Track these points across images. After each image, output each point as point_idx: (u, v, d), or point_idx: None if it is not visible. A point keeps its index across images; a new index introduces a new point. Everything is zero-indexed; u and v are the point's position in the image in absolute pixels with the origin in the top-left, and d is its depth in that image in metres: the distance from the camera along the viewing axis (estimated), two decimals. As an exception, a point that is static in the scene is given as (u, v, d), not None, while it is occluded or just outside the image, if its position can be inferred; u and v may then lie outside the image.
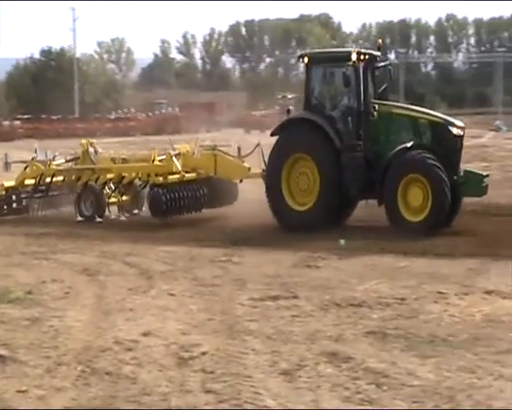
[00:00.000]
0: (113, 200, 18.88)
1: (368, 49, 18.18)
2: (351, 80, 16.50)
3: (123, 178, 18.80)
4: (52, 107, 75.84)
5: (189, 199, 17.99)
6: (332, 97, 17.57)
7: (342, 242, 14.75)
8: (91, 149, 19.90)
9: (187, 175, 18.20)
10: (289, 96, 73.05)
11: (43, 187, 19.68)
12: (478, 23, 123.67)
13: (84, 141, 20.34)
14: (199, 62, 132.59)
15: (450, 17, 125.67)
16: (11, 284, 11.77)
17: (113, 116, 76.70)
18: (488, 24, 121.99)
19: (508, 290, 10.84)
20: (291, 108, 18.13)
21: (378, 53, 17.72)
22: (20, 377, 7.63)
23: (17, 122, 69.90)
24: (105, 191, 18.95)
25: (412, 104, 18.15)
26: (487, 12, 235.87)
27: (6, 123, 69.32)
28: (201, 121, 71.31)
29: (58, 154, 20.84)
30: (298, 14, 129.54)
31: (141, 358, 8.16)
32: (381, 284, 11.39)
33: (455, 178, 15.81)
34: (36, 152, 19.93)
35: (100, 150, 20.36)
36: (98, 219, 18.39)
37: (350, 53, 16.65)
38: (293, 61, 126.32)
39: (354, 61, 16.48)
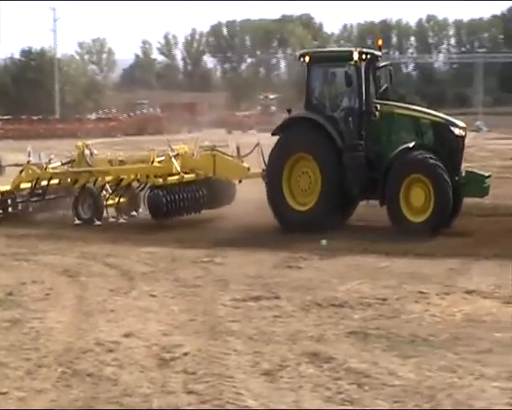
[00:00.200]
0: (110, 202, 18.58)
1: (370, 48, 18.04)
2: (353, 80, 16.43)
3: (121, 180, 18.54)
4: (32, 107, 75.57)
5: (189, 200, 17.82)
6: (333, 97, 17.47)
7: (324, 242, 14.76)
8: (87, 152, 19.60)
9: (186, 176, 18.04)
10: (271, 97, 73.25)
11: (40, 191, 19.31)
12: (458, 24, 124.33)
13: (79, 143, 20.01)
14: (180, 63, 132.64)
15: (430, 18, 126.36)
16: (-9, 286, 11.70)
17: (94, 117, 76.52)
18: (468, 25, 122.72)
19: (488, 290, 10.90)
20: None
21: (379, 53, 17.68)
22: (1, 379, 7.59)
23: (-3, 123, 69.60)
24: (103, 194, 18.67)
25: (413, 104, 18.08)
26: (467, 13, 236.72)
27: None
28: (183, 122, 71.36)
29: (53, 156, 20.45)
30: (279, 15, 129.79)
31: (122, 359, 8.13)
32: (362, 285, 11.41)
33: (456, 178, 15.74)
34: (29, 155, 19.49)
35: (95, 152, 20.10)
36: (97, 223, 18.11)
37: (352, 52, 16.59)
38: (274, 61, 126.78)
39: (356, 61, 16.41)
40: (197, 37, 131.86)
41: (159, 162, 18.13)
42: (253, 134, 60.05)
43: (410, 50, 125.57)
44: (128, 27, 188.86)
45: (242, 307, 10.31)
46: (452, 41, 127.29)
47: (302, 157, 16.66)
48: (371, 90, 16.86)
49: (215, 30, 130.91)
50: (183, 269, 12.93)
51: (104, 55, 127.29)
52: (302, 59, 17.29)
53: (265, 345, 8.53)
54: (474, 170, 16.93)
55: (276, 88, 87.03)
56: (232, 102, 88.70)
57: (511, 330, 8.97)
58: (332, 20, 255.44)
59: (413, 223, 15.51)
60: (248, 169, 18.14)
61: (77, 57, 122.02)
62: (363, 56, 16.72)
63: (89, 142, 20.75)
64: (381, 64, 17.65)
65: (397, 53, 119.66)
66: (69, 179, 19.17)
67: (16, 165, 21.62)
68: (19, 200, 19.35)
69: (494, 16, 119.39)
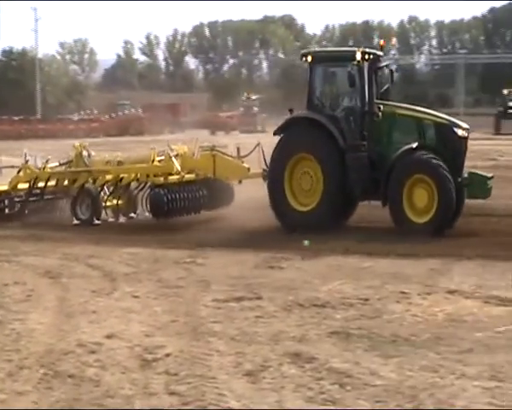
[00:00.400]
0: (109, 203, 18.42)
1: (372, 48, 17.97)
2: (355, 80, 16.39)
3: (121, 179, 18.39)
4: (14, 107, 75.17)
5: (189, 200, 17.71)
6: (335, 97, 17.40)
7: (306, 242, 14.78)
8: (85, 153, 19.45)
9: (186, 176, 17.94)
10: (253, 97, 73.22)
11: (38, 191, 19.14)
12: (439, 25, 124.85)
13: (77, 144, 19.81)
14: (162, 63, 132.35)
15: (412, 19, 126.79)
16: (-28, 287, 11.64)
17: (75, 117, 76.20)
18: (449, 26, 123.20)
19: (470, 290, 10.95)
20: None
21: (381, 53, 17.62)
22: (-18, 381, 7.55)
23: (-23, 123, 69.14)
24: (101, 194, 18.53)
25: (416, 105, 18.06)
26: (448, 14, 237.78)
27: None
28: (164, 122, 71.26)
29: (50, 157, 20.20)
30: (261, 16, 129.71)
31: (104, 360, 8.11)
32: (344, 285, 11.43)
33: (459, 179, 15.69)
34: (26, 157, 19.24)
35: (93, 153, 19.91)
36: (96, 222, 18.00)
37: (355, 52, 16.56)
38: (256, 62, 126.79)
39: (359, 61, 16.37)
40: (179, 37, 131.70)
41: (159, 162, 18.02)
42: (236, 135, 60.13)
43: (392, 51, 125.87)
44: (110, 27, 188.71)
45: (224, 307, 10.30)
46: (434, 42, 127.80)
47: (304, 157, 16.57)
48: (374, 91, 16.80)
49: (197, 30, 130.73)
50: (165, 270, 12.91)
51: (86, 56, 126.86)
52: (304, 58, 17.21)
53: (247, 346, 8.54)
54: (477, 171, 16.83)
55: (259, 89, 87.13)
56: (214, 103, 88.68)
57: (492, 329, 9.02)
58: (314, 21, 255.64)
59: (416, 224, 15.43)
60: (248, 169, 17.99)
61: (58, 57, 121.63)
62: (366, 56, 16.66)
63: (86, 143, 20.50)
64: (382, 64, 17.58)
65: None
66: (66, 181, 18.98)
67: (12, 167, 21.27)
68: (16, 200, 19.15)
69: (475, 18, 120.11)
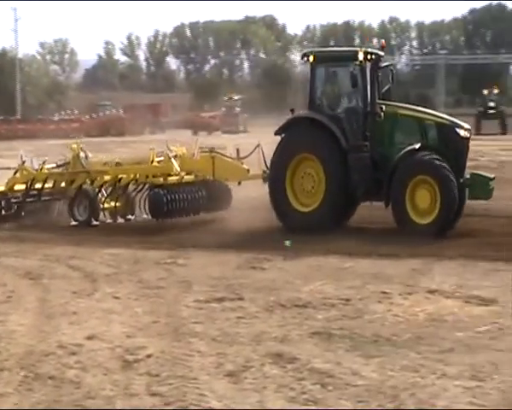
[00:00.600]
0: (106, 205, 18.22)
1: (374, 48, 17.93)
2: (358, 80, 16.34)
3: (119, 180, 18.21)
4: (-7, 108, 74.78)
5: (189, 201, 17.55)
6: (337, 97, 17.25)
7: (287, 243, 14.79)
8: (82, 154, 19.23)
9: (185, 177, 17.80)
10: (235, 98, 73.20)
11: (35, 192, 18.92)
12: (420, 26, 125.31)
13: (74, 145, 19.54)
14: (143, 64, 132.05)
15: (392, 20, 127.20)
16: (-48, 289, 11.57)
17: (56, 118, 75.83)
18: (430, 27, 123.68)
19: (450, 290, 10.99)
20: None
21: (382, 53, 17.54)
22: (-38, 383, 7.50)
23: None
24: (99, 196, 18.36)
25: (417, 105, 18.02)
26: (429, 15, 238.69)
27: None
28: (146, 123, 71.07)
29: (47, 159, 19.95)
30: (243, 16, 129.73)
31: (85, 362, 8.08)
32: (326, 285, 11.45)
33: (461, 180, 15.66)
34: (21, 158, 19.02)
35: (90, 155, 19.69)
36: (94, 223, 17.84)
37: (357, 52, 16.51)
38: (237, 62, 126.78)
39: (361, 61, 16.32)
40: (160, 38, 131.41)
41: (158, 162, 17.87)
42: (218, 135, 60.08)
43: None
44: (91, 28, 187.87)
45: (206, 308, 10.29)
46: (414, 43, 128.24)
47: (305, 157, 16.49)
48: (376, 91, 16.73)
49: (178, 31, 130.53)
50: (146, 270, 12.88)
51: (66, 56, 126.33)
52: (306, 58, 17.10)
53: (229, 346, 8.53)
54: (479, 172, 16.80)
55: (240, 89, 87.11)
56: (195, 104, 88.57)
57: (473, 329, 9.05)
58: (295, 22, 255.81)
59: (419, 225, 15.37)
60: (248, 171, 17.88)
61: (38, 57, 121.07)
62: (368, 56, 16.62)
63: (82, 144, 20.21)
64: (383, 64, 17.51)
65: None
66: (63, 182, 18.78)
67: (8, 168, 21.02)
68: (13, 201, 18.92)
69: (455, 19, 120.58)
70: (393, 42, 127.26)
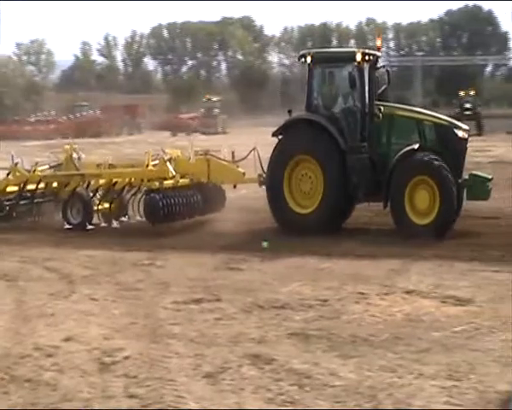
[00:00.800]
0: (100, 207, 17.93)
1: (371, 49, 17.72)
2: (356, 81, 16.29)
3: (114, 183, 17.99)
4: (-31, 109, 74.24)
5: (184, 205, 17.31)
6: (335, 98, 17.13)
7: (265, 244, 14.80)
8: (75, 155, 19.05)
9: (181, 181, 17.59)
10: (214, 99, 73.13)
11: (28, 194, 18.65)
12: (397, 27, 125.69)
13: (67, 146, 19.38)
14: (120, 64, 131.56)
15: (370, 21, 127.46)
16: None
17: (32, 119, 75.39)
18: (407, 28, 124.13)
19: (427, 290, 11.05)
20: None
21: (379, 54, 17.47)
22: None
23: None
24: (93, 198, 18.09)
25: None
26: (406, 17, 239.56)
27: None
28: (123, 124, 70.86)
29: (39, 160, 19.72)
30: (220, 17, 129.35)
31: (62, 364, 8.05)
32: (303, 286, 11.46)
33: (459, 181, 15.65)
34: (13, 159, 18.77)
35: (83, 156, 19.49)
36: (89, 227, 17.61)
37: (355, 53, 16.46)
38: (215, 63, 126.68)
39: (359, 62, 16.29)
40: (137, 38, 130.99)
41: (153, 166, 17.63)
42: (197, 136, 59.98)
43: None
44: (67, 28, 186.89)
45: (184, 309, 10.28)
46: (391, 44, 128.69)
47: (303, 159, 16.39)
48: (373, 92, 16.70)
49: (155, 32, 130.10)
50: (123, 272, 12.85)
51: (43, 57, 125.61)
52: (303, 59, 17.00)
53: (207, 348, 8.52)
54: (478, 173, 16.77)
55: (218, 90, 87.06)
56: (173, 105, 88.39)
57: (449, 329, 9.10)
58: (272, 23, 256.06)
59: (418, 226, 15.31)
60: (244, 174, 17.75)
61: (15, 58, 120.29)
62: (366, 57, 16.57)
63: (76, 145, 19.96)
64: (379, 65, 17.46)
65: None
66: (56, 183, 18.58)
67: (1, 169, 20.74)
68: (6, 203, 18.60)
69: (432, 20, 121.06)
70: (370, 43, 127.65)
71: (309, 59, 16.85)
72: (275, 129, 16.89)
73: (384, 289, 11.18)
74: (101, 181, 18.16)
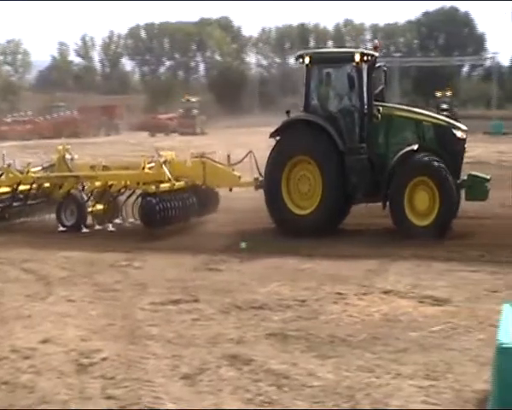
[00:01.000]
0: (94, 209, 17.79)
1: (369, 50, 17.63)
2: (355, 81, 16.25)
3: (110, 186, 17.82)
4: None
5: (180, 209, 17.10)
6: (333, 99, 17.05)
7: (243, 244, 14.79)
8: (68, 156, 18.86)
9: (177, 184, 17.39)
10: (193, 100, 73.03)
11: (21, 195, 18.43)
12: (374, 28, 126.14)
13: (59, 147, 19.17)
14: (98, 65, 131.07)
15: (347, 22, 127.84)
16: None
17: (9, 119, 74.92)
18: (384, 29, 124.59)
19: (405, 290, 11.08)
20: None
21: (377, 54, 17.37)
22: None
23: None
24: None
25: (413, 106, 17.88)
26: (383, 18, 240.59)
27: None
28: (100, 124, 70.59)
29: (32, 161, 19.46)
30: (198, 18, 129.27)
31: (39, 366, 8.01)
32: (281, 287, 11.47)
33: (458, 181, 15.66)
34: (4, 159, 18.51)
35: (76, 157, 19.33)
36: (84, 230, 17.40)
37: (353, 53, 16.43)
38: (193, 64, 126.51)
39: (358, 62, 16.24)
40: (115, 39, 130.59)
41: (149, 169, 17.44)
42: (175, 137, 59.92)
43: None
44: (44, 28, 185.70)
45: (161, 310, 10.26)
46: (369, 45, 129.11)
47: (302, 160, 16.30)
48: (372, 92, 16.60)
49: (133, 32, 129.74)
50: (101, 273, 12.80)
51: (19, 57, 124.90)
52: (301, 60, 16.87)
53: (185, 348, 8.51)
54: (477, 173, 16.71)
55: (195, 91, 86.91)
56: (151, 105, 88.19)
57: (427, 329, 9.14)
58: (250, 23, 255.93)
59: (418, 227, 15.26)
60: (239, 177, 17.68)
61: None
62: (365, 58, 16.51)
63: (68, 146, 19.73)
64: (376, 65, 17.29)
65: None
66: (48, 184, 18.37)
67: None
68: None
69: (409, 21, 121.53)
70: (348, 44, 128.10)
71: (307, 59, 16.75)
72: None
73: (362, 289, 11.21)
74: (97, 183, 17.98)
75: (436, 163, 15.36)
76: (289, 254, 13.90)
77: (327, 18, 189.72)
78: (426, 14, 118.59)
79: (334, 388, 7.24)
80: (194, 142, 42.69)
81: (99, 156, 20.42)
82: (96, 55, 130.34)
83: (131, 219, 17.68)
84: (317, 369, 7.75)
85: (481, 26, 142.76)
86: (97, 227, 17.77)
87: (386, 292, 10.99)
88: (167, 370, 7.82)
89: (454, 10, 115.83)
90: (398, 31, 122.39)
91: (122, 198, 18.08)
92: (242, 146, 17.22)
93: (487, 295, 10.76)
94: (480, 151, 36.00)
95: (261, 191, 16.86)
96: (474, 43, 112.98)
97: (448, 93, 63.04)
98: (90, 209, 17.75)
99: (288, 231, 15.90)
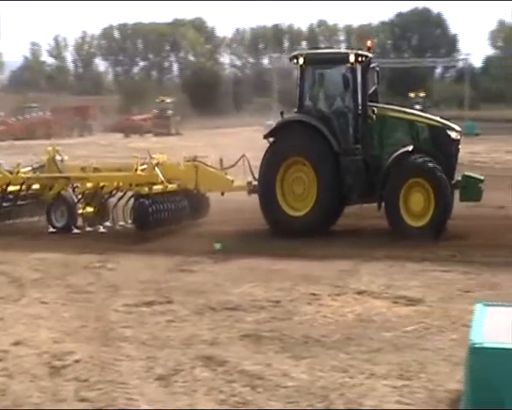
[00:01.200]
0: (84, 211, 17.56)
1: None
2: (349, 82, 16.19)
3: (102, 187, 17.64)
4: None
5: (173, 211, 17.02)
6: (327, 100, 16.94)
7: (218, 245, 14.77)
8: (58, 157, 18.62)
9: (169, 186, 17.26)
10: (168, 100, 72.86)
11: (10, 196, 18.24)
12: (348, 29, 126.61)
13: (49, 147, 18.94)
14: (71, 65, 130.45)
15: (321, 23, 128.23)
16: None
17: (-20, 121, 74.33)
18: (358, 30, 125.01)
19: (379, 290, 11.13)
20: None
21: (371, 55, 17.28)
22: None
23: None
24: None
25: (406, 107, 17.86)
26: (357, 19, 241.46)
27: None
28: (74, 125, 70.25)
29: (21, 161, 19.25)
30: (172, 18, 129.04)
31: (11, 368, 7.95)
32: (255, 287, 11.48)
33: (452, 182, 15.69)
34: None
35: (66, 158, 19.07)
36: (75, 231, 17.25)
37: (348, 54, 16.39)
38: (166, 64, 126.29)
39: (352, 63, 16.19)
40: (88, 39, 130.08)
41: (142, 171, 17.27)
42: (149, 138, 59.74)
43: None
44: (16, 29, 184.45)
45: (135, 312, 10.23)
46: (343, 46, 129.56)
47: (296, 161, 16.23)
48: (367, 93, 16.53)
49: (106, 33, 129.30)
50: (74, 275, 12.73)
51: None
52: (295, 60, 16.79)
53: (159, 350, 8.49)
54: (471, 174, 16.79)
55: (169, 91, 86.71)
56: (124, 106, 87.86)
57: (400, 329, 9.19)
58: (224, 24, 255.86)
59: (413, 228, 15.24)
60: (232, 181, 17.56)
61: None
62: (359, 59, 16.45)
63: (58, 147, 19.45)
64: (370, 66, 17.21)
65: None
66: (37, 185, 18.18)
67: None
68: None
69: (382, 22, 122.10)
70: (322, 45, 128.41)
71: (301, 60, 16.67)
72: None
73: (336, 289, 11.24)
74: (89, 185, 17.80)
75: (431, 164, 15.38)
76: (263, 255, 13.91)
77: (301, 19, 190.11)
78: (399, 15, 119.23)
79: (308, 388, 7.25)
80: (169, 143, 42.61)
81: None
82: (69, 56, 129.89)
83: (122, 222, 17.55)
84: (291, 369, 7.76)
85: (454, 27, 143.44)
86: (88, 229, 17.62)
87: (359, 293, 11.03)
88: (142, 371, 7.79)
89: (427, 11, 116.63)
90: (371, 31, 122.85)
91: (112, 201, 17.89)
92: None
93: (460, 295, 10.83)
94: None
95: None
96: (447, 44, 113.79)
97: (421, 94, 63.37)
98: (80, 211, 17.63)
99: (281, 233, 15.81)
